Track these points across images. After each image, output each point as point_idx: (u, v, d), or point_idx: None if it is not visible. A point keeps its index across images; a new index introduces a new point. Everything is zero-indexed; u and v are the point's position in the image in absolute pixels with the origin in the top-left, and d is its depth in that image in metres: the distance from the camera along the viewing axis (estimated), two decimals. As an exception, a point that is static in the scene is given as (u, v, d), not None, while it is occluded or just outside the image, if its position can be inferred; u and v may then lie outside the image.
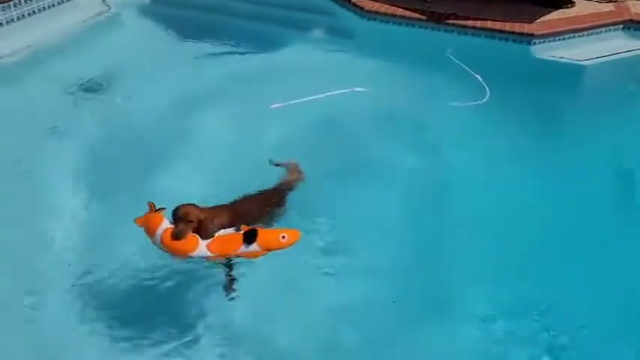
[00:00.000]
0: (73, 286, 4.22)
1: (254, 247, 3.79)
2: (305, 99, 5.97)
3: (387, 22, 7.57)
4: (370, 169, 5.23)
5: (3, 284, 4.20)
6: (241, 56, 6.96)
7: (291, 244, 3.89)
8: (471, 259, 4.55)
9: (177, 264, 4.14)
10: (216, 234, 3.84)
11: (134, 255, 4.34)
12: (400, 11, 7.55)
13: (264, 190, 4.54)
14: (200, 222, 3.80)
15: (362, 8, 7.62)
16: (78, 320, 4.02)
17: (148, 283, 4.24)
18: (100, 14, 7.51)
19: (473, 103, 6.12)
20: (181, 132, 5.61)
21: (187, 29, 7.41)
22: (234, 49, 7.10)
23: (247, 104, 5.91)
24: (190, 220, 3.76)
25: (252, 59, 6.90)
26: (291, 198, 4.66)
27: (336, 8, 7.84)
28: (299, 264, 4.34)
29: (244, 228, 3.84)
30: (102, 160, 5.34)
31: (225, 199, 4.33)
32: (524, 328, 4.08)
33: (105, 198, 4.90)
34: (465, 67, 6.63)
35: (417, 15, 7.48)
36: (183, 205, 3.83)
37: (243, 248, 3.79)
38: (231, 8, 7.82)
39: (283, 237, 3.86)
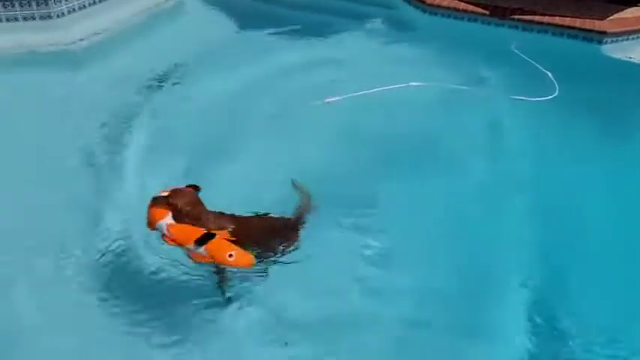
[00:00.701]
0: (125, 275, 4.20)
1: (201, 250, 3.67)
2: (360, 93, 5.83)
3: (449, 16, 7.36)
4: (429, 167, 5.03)
5: (55, 263, 4.25)
6: (300, 48, 6.86)
7: (237, 266, 3.74)
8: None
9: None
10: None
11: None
12: (463, 5, 7.31)
13: (280, 218, 4.18)
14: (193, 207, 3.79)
15: (424, 2, 7.42)
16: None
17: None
18: (163, 2, 7.55)
19: (539, 99, 5.84)
20: (237, 123, 5.55)
21: (248, 19, 7.39)
22: (292, 41, 7.01)
23: (302, 98, 5.78)
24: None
25: (310, 51, 6.79)
26: (344, 194, 4.52)
27: (398, 2, 7.68)
28: (342, 270, 4.18)
29: (217, 232, 3.74)
30: (159, 148, 5.32)
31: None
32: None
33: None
34: (533, 62, 6.34)
35: (480, 10, 7.23)
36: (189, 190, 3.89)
37: (191, 246, 3.68)
38: (290, -1, 7.80)
39: (230, 255, 3.67)
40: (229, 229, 3.82)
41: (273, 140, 5.36)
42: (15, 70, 6.06)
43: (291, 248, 4.07)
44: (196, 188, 3.99)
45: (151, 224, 3.82)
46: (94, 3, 7.10)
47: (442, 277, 4.17)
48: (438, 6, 7.39)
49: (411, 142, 5.26)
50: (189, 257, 3.79)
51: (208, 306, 3.93)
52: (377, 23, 7.36)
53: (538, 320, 3.88)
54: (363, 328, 3.84)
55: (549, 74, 6.17)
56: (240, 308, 3.92)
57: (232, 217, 3.98)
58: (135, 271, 4.14)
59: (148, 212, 3.84)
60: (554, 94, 5.93)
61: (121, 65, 6.48)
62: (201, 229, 3.74)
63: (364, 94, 5.81)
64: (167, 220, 3.76)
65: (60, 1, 6.69)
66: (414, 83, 6.04)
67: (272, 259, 4.02)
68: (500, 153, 5.27)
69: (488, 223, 4.57)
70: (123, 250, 4.28)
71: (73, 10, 6.86)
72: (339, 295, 4.03)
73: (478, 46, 6.79)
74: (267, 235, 4.07)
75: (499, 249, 4.37)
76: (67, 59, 6.43)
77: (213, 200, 3.99)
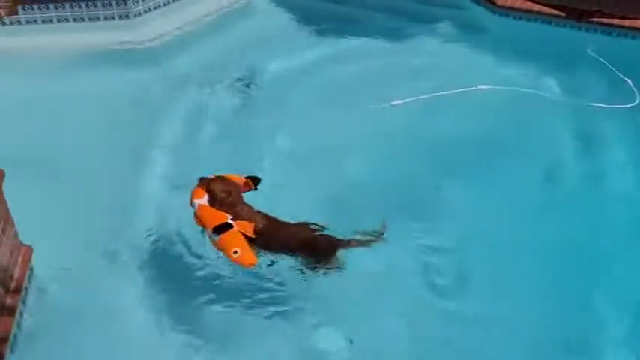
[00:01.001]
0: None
1: (216, 237, 3.84)
2: (428, 95, 5.76)
3: (521, 18, 7.14)
4: (498, 174, 4.92)
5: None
6: (367, 49, 6.83)
7: (238, 263, 3.83)
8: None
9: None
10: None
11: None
12: (536, 7, 7.07)
13: (319, 234, 4.05)
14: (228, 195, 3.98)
15: (494, 3, 7.23)
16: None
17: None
18: (235, 2, 7.67)
19: (618, 107, 5.59)
20: (305, 123, 5.60)
21: (317, 20, 7.38)
22: (361, 42, 6.98)
23: (369, 100, 5.76)
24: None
25: (378, 52, 6.75)
26: (406, 197, 4.47)
27: (467, 2, 7.50)
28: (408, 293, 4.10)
29: (237, 222, 3.87)
30: (225, 144, 5.46)
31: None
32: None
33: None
34: (611, 67, 6.06)
35: (554, 11, 6.97)
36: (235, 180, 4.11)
37: (210, 231, 3.87)
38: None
39: (235, 252, 3.78)
40: (256, 225, 3.93)
41: (338, 143, 5.35)
42: (96, 65, 6.33)
43: (327, 267, 3.96)
44: (254, 181, 4.16)
45: (190, 202, 4.06)
46: (169, 3, 7.33)
47: (519, 304, 3.99)
48: (510, 7, 7.18)
49: (479, 147, 5.17)
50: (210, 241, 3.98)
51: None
52: (445, 24, 7.22)
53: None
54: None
55: (629, 81, 5.90)
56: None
57: (267, 217, 4.06)
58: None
59: (192, 191, 4.09)
60: (634, 102, 5.67)
61: (194, 62, 6.65)
62: (224, 218, 3.87)
63: (431, 96, 5.74)
64: (201, 201, 3.99)
65: (137, 2, 6.96)
66: (482, 86, 5.92)
67: (308, 271, 4.00)
68: (576, 161, 5.10)
69: (565, 236, 4.39)
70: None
71: (150, 9, 7.11)
72: (407, 321, 3.95)
73: (552, 49, 6.55)
74: (295, 244, 4.01)
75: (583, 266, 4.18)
76: (143, 56, 6.66)
77: (275, 202, 4.10)
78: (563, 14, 6.91)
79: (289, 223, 4.10)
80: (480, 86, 5.93)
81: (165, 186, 5.03)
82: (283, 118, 5.67)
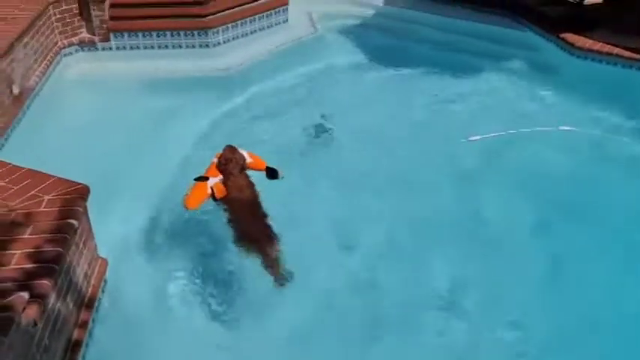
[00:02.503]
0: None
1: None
2: (505, 132, 5.67)
3: (601, 61, 6.96)
4: (577, 221, 4.68)
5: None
6: (439, 86, 6.84)
7: (183, 202, 4.46)
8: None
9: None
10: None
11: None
12: (617, 50, 6.87)
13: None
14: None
15: (572, 45, 7.09)
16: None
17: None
18: (307, 37, 7.94)
19: None
20: (377, 157, 5.60)
21: (385, 55, 7.48)
22: (433, 79, 6.99)
23: (444, 136, 5.76)
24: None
25: (450, 89, 6.74)
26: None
27: (543, 43, 7.42)
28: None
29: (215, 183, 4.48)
30: (294, 173, 5.42)
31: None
32: None
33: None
34: None
35: (636, 55, 6.75)
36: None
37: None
38: (429, 37, 7.81)
39: (187, 194, 4.50)
40: (228, 193, 4.48)
41: (416, 177, 5.28)
42: (175, 90, 6.60)
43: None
44: (271, 171, 4.71)
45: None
46: (247, 34, 7.65)
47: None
48: (589, 49, 7.02)
49: (559, 189, 4.99)
50: None
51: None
52: (521, 64, 7.14)
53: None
54: None
55: None
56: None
57: (251, 197, 4.50)
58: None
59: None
60: None
61: (267, 91, 6.83)
62: (213, 176, 4.51)
63: (509, 133, 5.65)
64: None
65: (217, 33, 7.31)
66: (563, 127, 5.76)
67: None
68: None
69: None
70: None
71: (228, 40, 7.46)
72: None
73: (635, 94, 6.34)
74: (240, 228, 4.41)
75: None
76: (220, 83, 6.87)
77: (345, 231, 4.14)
78: (645, 58, 6.70)
79: (259, 215, 4.42)
80: (561, 127, 5.79)
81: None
82: (355, 152, 5.68)
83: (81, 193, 3.75)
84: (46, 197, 3.68)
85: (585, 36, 7.11)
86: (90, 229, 4.14)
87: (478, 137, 5.66)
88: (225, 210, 4.48)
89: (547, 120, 6.06)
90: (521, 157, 5.45)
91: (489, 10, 8.36)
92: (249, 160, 4.67)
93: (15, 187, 3.76)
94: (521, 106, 6.43)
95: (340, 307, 4.09)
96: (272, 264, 4.23)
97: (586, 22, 7.37)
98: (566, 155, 5.48)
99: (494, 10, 8.34)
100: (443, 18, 8.29)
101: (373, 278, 4.27)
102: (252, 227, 4.39)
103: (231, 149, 4.62)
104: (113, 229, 4.47)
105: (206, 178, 4.46)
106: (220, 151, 4.66)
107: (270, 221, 4.41)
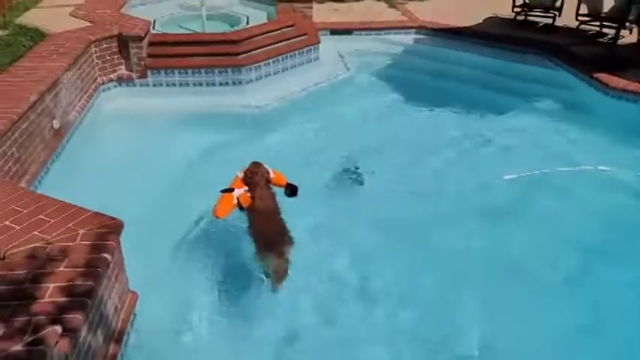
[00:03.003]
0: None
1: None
2: (541, 171, 5.59)
3: (636, 101, 6.87)
4: (617, 264, 4.54)
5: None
6: (474, 125, 6.82)
7: (212, 211, 4.60)
8: None
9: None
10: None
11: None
12: (652, 90, 6.80)
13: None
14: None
15: (607, 85, 7.03)
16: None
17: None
18: (338, 75, 8.03)
19: None
20: (410, 196, 5.53)
21: (418, 95, 7.49)
22: (466, 118, 6.99)
23: (479, 174, 5.69)
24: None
25: (485, 128, 6.71)
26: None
27: (576, 82, 7.37)
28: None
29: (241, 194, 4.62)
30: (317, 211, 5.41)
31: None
32: None
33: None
34: None
35: (674, 96, 6.66)
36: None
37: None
38: (463, 76, 7.82)
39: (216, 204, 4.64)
40: (254, 204, 4.64)
41: (451, 217, 5.21)
42: (207, 126, 6.67)
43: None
44: (290, 188, 4.85)
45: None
46: (279, 72, 7.79)
47: None
48: (623, 90, 6.95)
49: (596, 230, 4.86)
50: None
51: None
52: (555, 103, 7.11)
53: None
54: None
55: None
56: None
57: (273, 208, 4.68)
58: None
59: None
60: None
61: (296, 128, 6.90)
62: (241, 185, 4.72)
63: (546, 172, 5.57)
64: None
65: (251, 70, 7.46)
66: (602, 167, 5.66)
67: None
68: None
69: None
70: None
71: (261, 77, 7.61)
72: None
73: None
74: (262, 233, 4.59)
75: None
76: (253, 119, 6.98)
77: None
78: (682, 99, 6.59)
79: (278, 224, 4.59)
80: (599, 167, 5.69)
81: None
82: (385, 193, 5.62)
83: (115, 227, 3.81)
84: (81, 231, 3.74)
85: (619, 76, 7.05)
86: (122, 262, 4.18)
87: (514, 176, 5.59)
88: (248, 216, 4.70)
89: (582, 159, 5.96)
90: (557, 197, 5.35)
91: (523, 50, 8.38)
92: (272, 175, 4.90)
93: (52, 221, 3.84)
94: (556, 145, 6.36)
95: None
96: (278, 271, 4.47)
97: (619, 62, 7.32)
98: (604, 195, 5.37)
99: (527, 50, 8.36)
100: (476, 56, 8.35)
101: (402, 321, 4.18)
102: (270, 234, 4.61)
103: (256, 164, 4.90)
104: (144, 263, 4.50)
105: (232, 190, 4.68)
106: (245, 166, 4.91)
107: (289, 232, 4.58)
